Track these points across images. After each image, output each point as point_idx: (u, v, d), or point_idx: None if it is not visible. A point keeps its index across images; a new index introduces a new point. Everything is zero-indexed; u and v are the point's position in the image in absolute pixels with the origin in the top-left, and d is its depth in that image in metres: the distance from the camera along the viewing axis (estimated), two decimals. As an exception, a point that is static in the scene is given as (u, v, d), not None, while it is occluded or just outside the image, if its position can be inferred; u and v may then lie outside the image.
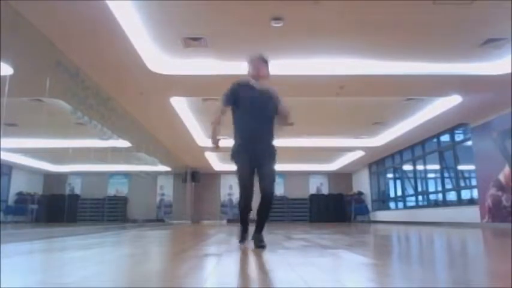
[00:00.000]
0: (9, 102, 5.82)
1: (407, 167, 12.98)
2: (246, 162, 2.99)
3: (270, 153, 3.09)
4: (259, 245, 2.94)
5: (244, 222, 3.20)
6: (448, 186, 10.42)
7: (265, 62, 3.23)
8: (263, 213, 3.06)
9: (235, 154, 3.05)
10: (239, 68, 6.08)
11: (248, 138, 3.04)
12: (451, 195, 10.40)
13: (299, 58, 5.96)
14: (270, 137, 3.11)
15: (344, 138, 11.58)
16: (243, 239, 3.19)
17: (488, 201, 8.42)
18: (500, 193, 8.07)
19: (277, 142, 3.12)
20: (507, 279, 1.55)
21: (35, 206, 16.30)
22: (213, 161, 14.96)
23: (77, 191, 17.66)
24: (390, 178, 14.88)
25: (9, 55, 5.09)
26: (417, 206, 12.30)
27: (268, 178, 3.01)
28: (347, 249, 2.90)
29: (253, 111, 3.06)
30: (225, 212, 17.38)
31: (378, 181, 15.48)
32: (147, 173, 14.85)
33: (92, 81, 6.48)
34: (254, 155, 2.98)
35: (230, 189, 17.82)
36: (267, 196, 2.99)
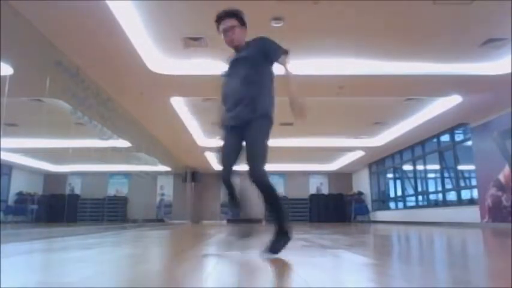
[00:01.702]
0: (9, 102, 5.83)
1: (407, 167, 12.98)
2: (226, 140, 2.50)
3: (255, 120, 2.34)
4: (268, 248, 2.29)
5: (230, 197, 2.53)
6: (448, 186, 10.43)
7: (236, 20, 2.49)
8: (267, 205, 2.35)
9: (221, 133, 2.54)
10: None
11: (227, 111, 2.46)
12: (451, 195, 10.40)
13: (299, 58, 5.96)
14: (256, 100, 2.36)
15: (344, 138, 11.58)
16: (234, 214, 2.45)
17: (488, 201, 8.42)
18: (500, 193, 8.07)
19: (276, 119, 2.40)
20: (507, 279, 1.55)
21: (35, 206, 16.29)
22: (213, 161, 14.96)
23: (77, 191, 17.66)
24: (390, 178, 14.88)
25: (9, 55, 5.10)
26: (417, 206, 12.30)
27: (249, 154, 2.32)
28: (347, 249, 2.90)
29: (231, 81, 2.48)
30: (225, 212, 17.38)
31: (378, 181, 15.48)
32: (147, 173, 14.84)
33: (92, 81, 6.48)
34: (236, 128, 2.40)
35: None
36: (255, 182, 2.28)
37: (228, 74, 2.52)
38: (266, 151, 2.35)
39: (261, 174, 2.30)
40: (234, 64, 2.52)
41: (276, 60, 2.50)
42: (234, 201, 2.51)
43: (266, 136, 2.37)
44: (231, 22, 2.48)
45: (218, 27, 2.53)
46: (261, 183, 2.29)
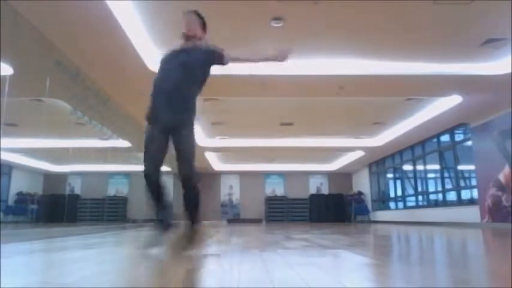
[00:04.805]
0: (9, 102, 5.83)
1: (407, 167, 12.98)
2: (153, 133, 2.55)
3: (183, 120, 2.51)
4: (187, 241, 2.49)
5: (154, 206, 2.54)
6: (448, 186, 10.42)
7: (199, 18, 2.78)
8: (187, 201, 2.51)
9: (145, 128, 2.62)
10: (239, 67, 6.07)
11: (158, 106, 2.53)
12: (451, 195, 10.39)
13: (299, 58, 5.96)
14: (186, 101, 2.53)
15: (344, 138, 11.58)
16: (159, 225, 2.49)
17: (488, 201, 8.42)
18: (500, 193, 8.07)
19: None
20: (507, 279, 1.55)
21: (35, 206, 16.29)
22: (213, 161, 14.96)
23: (77, 191, 17.65)
24: (390, 178, 14.88)
25: (9, 55, 5.10)
26: (417, 206, 12.29)
27: (182, 153, 2.47)
28: (347, 249, 2.90)
29: (167, 73, 2.58)
30: (225, 212, 17.39)
31: (378, 181, 15.48)
32: (147, 173, 14.78)
33: (92, 82, 6.48)
34: (166, 124, 2.51)
35: (230, 189, 17.81)
36: (184, 179, 2.46)
37: (166, 67, 2.62)
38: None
39: (195, 174, 2.48)
40: (175, 57, 2.64)
41: (220, 63, 2.70)
42: (161, 202, 2.56)
43: (194, 137, 2.57)
44: (196, 21, 2.77)
45: (184, 18, 2.76)
46: (192, 182, 2.47)
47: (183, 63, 2.57)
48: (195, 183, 2.49)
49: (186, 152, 2.48)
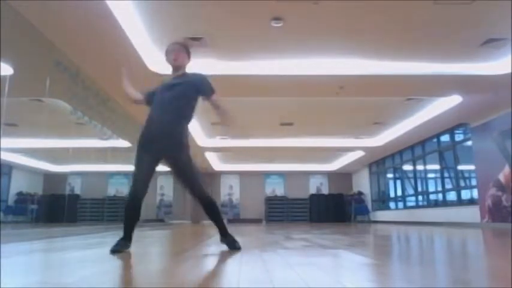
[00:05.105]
0: (9, 102, 5.82)
1: (407, 167, 12.98)
2: (144, 158, 2.60)
3: (179, 148, 2.65)
4: (233, 246, 2.72)
5: (126, 225, 2.61)
6: (448, 186, 10.43)
7: (183, 47, 2.96)
8: (212, 217, 2.71)
9: (136, 152, 2.64)
10: (239, 68, 6.07)
11: (149, 135, 2.63)
12: (451, 195, 10.40)
13: (299, 58, 5.96)
14: (178, 128, 2.68)
15: (344, 138, 11.59)
16: (117, 245, 2.52)
17: (488, 201, 8.42)
18: (500, 193, 8.07)
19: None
20: (507, 279, 1.55)
21: (35, 206, 16.29)
22: (213, 161, 14.97)
23: (77, 191, 17.66)
24: (390, 178, 14.88)
25: (9, 55, 5.10)
26: (417, 206, 12.30)
27: (192, 177, 2.65)
28: (347, 249, 2.90)
29: (159, 106, 2.70)
30: (225, 212, 17.39)
31: (378, 181, 15.48)
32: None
33: (92, 82, 6.48)
34: (158, 153, 2.62)
35: (230, 189, 17.82)
36: (204, 203, 2.66)
37: (158, 101, 2.75)
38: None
39: (208, 193, 2.70)
40: (167, 88, 2.79)
41: (206, 98, 2.82)
42: (131, 228, 2.64)
43: (193, 162, 2.73)
44: (182, 51, 2.96)
45: (169, 50, 2.98)
46: (209, 201, 2.68)
47: (174, 96, 2.70)
48: (209, 196, 2.69)
49: (193, 178, 2.65)
